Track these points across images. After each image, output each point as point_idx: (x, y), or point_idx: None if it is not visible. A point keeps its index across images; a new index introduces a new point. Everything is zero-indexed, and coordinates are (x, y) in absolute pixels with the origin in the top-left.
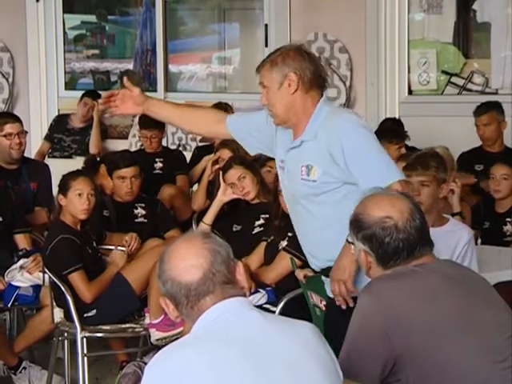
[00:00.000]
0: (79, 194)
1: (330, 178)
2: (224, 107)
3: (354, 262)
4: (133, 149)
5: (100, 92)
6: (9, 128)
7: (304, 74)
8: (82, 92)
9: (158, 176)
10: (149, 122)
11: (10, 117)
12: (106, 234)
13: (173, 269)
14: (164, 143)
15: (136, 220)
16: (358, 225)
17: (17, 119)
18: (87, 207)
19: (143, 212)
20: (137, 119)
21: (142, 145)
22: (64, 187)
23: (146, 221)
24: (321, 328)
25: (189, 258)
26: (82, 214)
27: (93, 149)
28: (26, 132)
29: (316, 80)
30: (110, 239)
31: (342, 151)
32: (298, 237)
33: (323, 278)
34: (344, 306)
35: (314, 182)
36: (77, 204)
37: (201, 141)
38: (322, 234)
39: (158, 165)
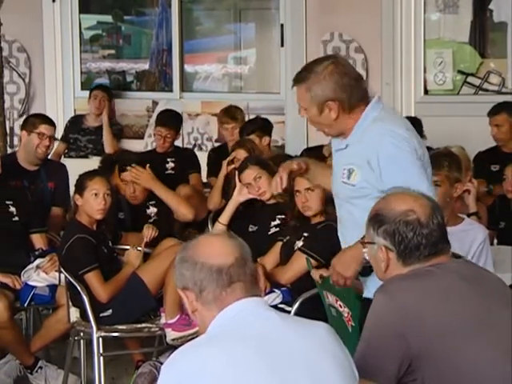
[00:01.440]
0: (95, 194)
1: (368, 185)
2: (233, 112)
3: (360, 263)
4: (148, 149)
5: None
6: (43, 128)
7: (343, 98)
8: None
9: (170, 176)
10: (166, 121)
11: (47, 119)
12: (121, 234)
13: (202, 254)
14: (180, 143)
15: (150, 220)
16: (379, 219)
17: (53, 124)
18: (103, 207)
19: (155, 210)
20: (152, 120)
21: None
22: (80, 187)
23: (158, 218)
24: (336, 328)
25: (219, 246)
26: (98, 214)
27: (108, 148)
28: (56, 139)
29: (356, 94)
30: (125, 239)
31: (377, 161)
32: (339, 236)
33: (360, 277)
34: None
35: (353, 187)
36: (93, 204)
37: (216, 141)
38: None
39: (170, 165)
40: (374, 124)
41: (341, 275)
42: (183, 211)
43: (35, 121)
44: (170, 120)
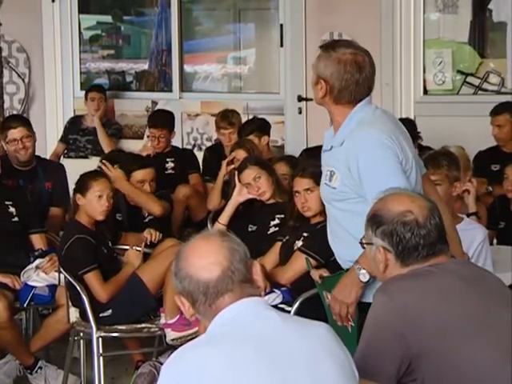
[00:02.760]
0: (99, 196)
1: (347, 189)
2: (230, 117)
3: (360, 286)
4: None
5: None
6: (11, 134)
7: (334, 86)
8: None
9: (170, 176)
10: (158, 121)
11: (13, 121)
12: (121, 234)
13: (191, 266)
14: (179, 143)
15: (145, 221)
16: (377, 220)
17: (21, 123)
18: (106, 209)
19: None
20: None
21: None
22: (83, 187)
23: (153, 218)
24: (336, 328)
25: (208, 256)
26: (100, 216)
27: (106, 149)
28: (33, 134)
29: (348, 93)
30: (125, 239)
31: (357, 167)
32: (328, 236)
33: None
34: (340, 323)
35: (334, 189)
36: (96, 205)
37: (216, 141)
38: (342, 238)
39: (170, 165)
40: (357, 128)
41: (344, 303)
42: (151, 208)
43: (3, 129)
44: (161, 120)
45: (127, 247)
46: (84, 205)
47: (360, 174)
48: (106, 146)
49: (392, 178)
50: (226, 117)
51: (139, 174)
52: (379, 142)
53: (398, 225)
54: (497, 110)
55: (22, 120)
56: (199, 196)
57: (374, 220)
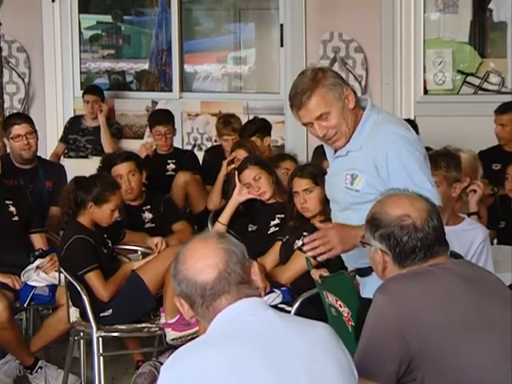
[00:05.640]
0: (114, 209)
1: (373, 190)
2: (232, 123)
3: (356, 246)
4: None
5: (116, 92)
6: (15, 130)
7: (350, 86)
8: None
9: (171, 177)
10: (161, 119)
11: (17, 118)
12: (125, 233)
13: (188, 269)
14: (179, 143)
15: (145, 226)
16: (375, 223)
17: (25, 120)
18: (114, 220)
19: (150, 216)
20: None
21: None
22: (101, 199)
23: (153, 225)
24: (336, 328)
25: (204, 258)
26: (106, 224)
27: (107, 148)
28: (36, 131)
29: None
30: (129, 238)
31: (386, 164)
32: None
33: (358, 277)
34: (310, 254)
35: (357, 192)
36: (107, 217)
37: (216, 141)
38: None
39: (171, 166)
40: (376, 128)
41: (334, 244)
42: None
43: (7, 126)
44: (164, 117)
45: (128, 247)
46: (95, 213)
47: (389, 169)
48: (108, 145)
49: (421, 172)
50: (228, 123)
51: (116, 170)
52: (405, 138)
53: (395, 228)
54: (502, 109)
55: (26, 117)
56: (198, 184)
57: (373, 223)
